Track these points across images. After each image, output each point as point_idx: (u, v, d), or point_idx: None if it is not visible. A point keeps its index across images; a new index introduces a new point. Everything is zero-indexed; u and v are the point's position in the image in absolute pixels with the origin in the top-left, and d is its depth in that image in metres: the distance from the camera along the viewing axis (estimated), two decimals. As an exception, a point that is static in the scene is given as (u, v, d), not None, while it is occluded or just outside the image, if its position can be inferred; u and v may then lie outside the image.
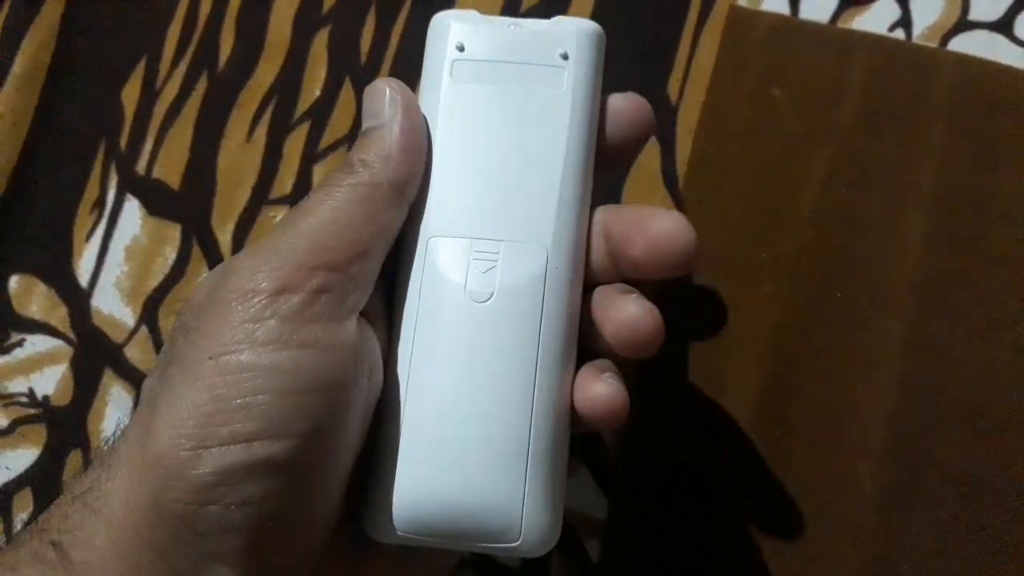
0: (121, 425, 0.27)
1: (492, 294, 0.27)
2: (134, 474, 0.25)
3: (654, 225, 0.28)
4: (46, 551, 0.25)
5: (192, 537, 0.24)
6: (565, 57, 0.29)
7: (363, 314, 0.27)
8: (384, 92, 0.28)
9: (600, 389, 0.27)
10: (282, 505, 0.25)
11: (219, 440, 0.24)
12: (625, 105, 0.30)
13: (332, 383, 0.25)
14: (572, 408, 0.28)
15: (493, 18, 0.30)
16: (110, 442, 0.27)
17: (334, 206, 0.27)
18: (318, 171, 0.38)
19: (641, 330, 0.27)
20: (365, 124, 0.29)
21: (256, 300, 0.25)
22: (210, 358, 0.25)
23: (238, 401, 0.24)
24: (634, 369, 0.35)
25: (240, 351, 0.25)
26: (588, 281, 0.29)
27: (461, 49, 0.29)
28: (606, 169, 0.30)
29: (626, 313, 0.27)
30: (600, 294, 0.29)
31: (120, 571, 0.25)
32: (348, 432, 0.26)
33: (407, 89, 0.29)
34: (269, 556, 0.25)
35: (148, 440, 0.25)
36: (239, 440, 0.24)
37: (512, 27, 0.29)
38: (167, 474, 0.24)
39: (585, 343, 0.29)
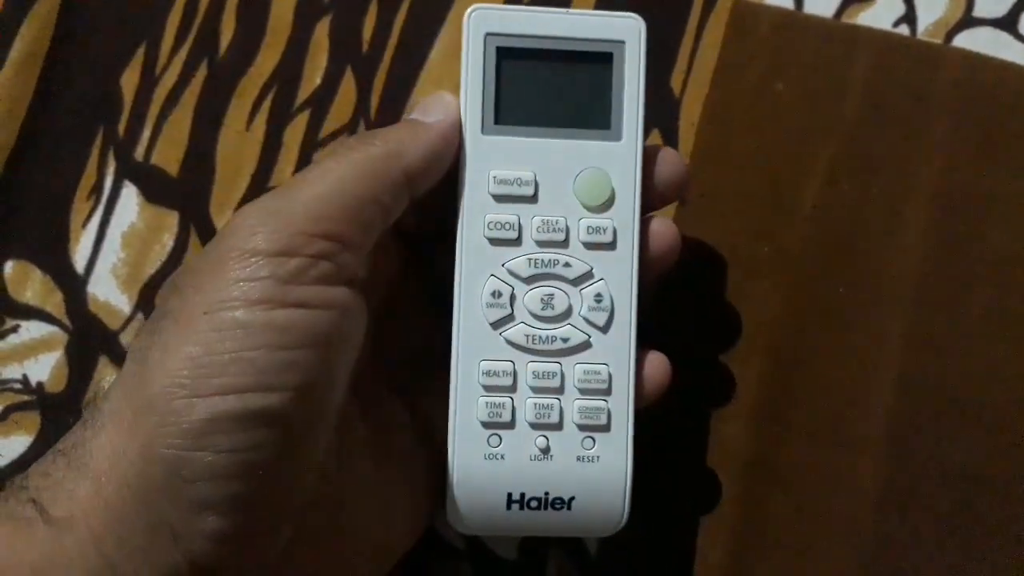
0: (103, 387, 0.27)
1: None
2: (122, 426, 0.25)
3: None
4: (24, 509, 0.25)
5: (181, 483, 0.25)
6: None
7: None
8: (444, 99, 0.30)
9: (655, 362, 0.31)
10: (270, 455, 0.25)
11: (212, 390, 0.24)
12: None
13: (324, 340, 0.26)
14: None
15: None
16: (92, 403, 0.27)
17: (341, 176, 0.27)
18: (318, 160, 0.38)
19: (664, 233, 0.31)
20: (410, 116, 0.30)
21: (253, 260, 0.26)
22: (205, 312, 0.25)
23: (232, 355, 0.25)
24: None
25: (235, 307, 0.25)
26: None
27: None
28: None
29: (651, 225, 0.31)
30: None
31: (104, 522, 0.25)
32: (335, 389, 0.27)
33: (456, 104, 0.30)
34: (257, 506, 0.26)
35: (139, 390, 0.25)
36: (232, 391, 0.25)
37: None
38: (160, 420, 0.24)
39: None
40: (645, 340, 0.31)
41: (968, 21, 0.36)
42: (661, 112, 0.37)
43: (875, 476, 0.34)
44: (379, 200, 0.27)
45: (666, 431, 0.35)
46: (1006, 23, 0.36)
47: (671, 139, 0.37)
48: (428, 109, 0.29)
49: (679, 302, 0.36)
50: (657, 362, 0.31)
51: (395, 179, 0.28)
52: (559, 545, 0.35)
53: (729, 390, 0.35)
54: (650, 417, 0.32)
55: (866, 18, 0.37)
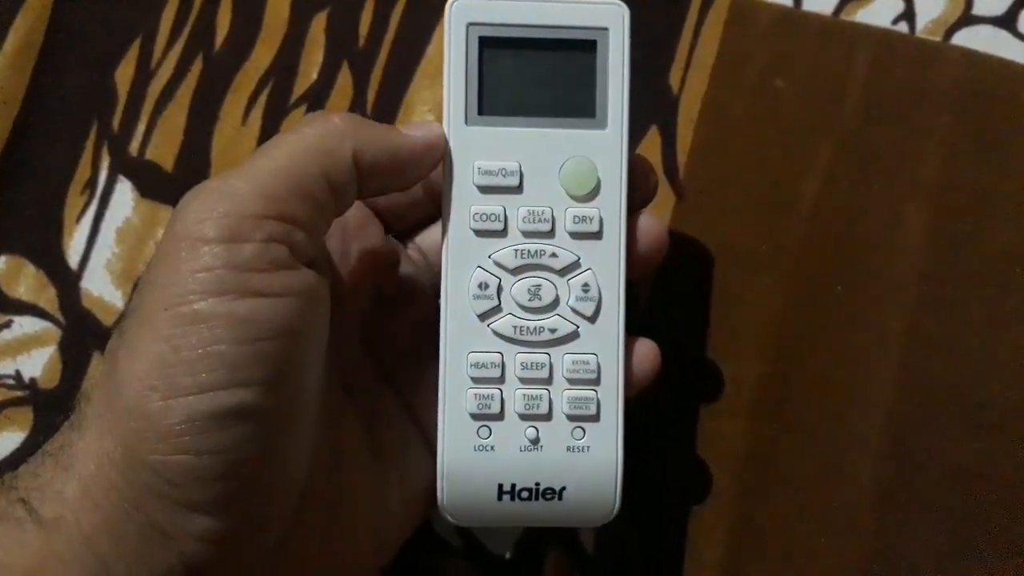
0: (86, 387, 0.27)
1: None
2: (104, 430, 0.25)
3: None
4: (14, 509, 0.25)
5: (167, 487, 0.24)
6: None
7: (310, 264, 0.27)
8: (431, 124, 0.29)
9: (644, 348, 0.30)
10: (253, 451, 0.25)
11: (185, 390, 0.24)
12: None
13: (289, 329, 0.25)
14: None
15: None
16: (79, 404, 0.26)
17: (290, 152, 0.26)
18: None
19: (650, 229, 0.30)
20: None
21: (205, 249, 0.25)
22: (165, 309, 0.24)
23: (199, 351, 0.24)
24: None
25: (194, 301, 0.24)
26: None
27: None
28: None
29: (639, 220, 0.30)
30: None
31: (94, 523, 0.24)
32: (310, 377, 0.27)
33: (443, 139, 0.29)
34: (246, 504, 0.25)
35: (115, 394, 0.25)
36: (205, 389, 0.24)
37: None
38: (138, 426, 0.24)
39: None
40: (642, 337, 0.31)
41: (967, 19, 0.36)
42: (659, 109, 0.37)
43: (874, 475, 0.34)
44: (328, 176, 0.27)
45: (665, 429, 0.35)
46: (1005, 21, 0.36)
47: (669, 136, 0.37)
48: (412, 127, 0.29)
49: (677, 299, 0.36)
50: (646, 349, 0.30)
51: (343, 157, 0.27)
52: (556, 542, 0.35)
53: (728, 388, 0.35)
54: (650, 415, 0.32)
55: (865, 15, 0.37)
